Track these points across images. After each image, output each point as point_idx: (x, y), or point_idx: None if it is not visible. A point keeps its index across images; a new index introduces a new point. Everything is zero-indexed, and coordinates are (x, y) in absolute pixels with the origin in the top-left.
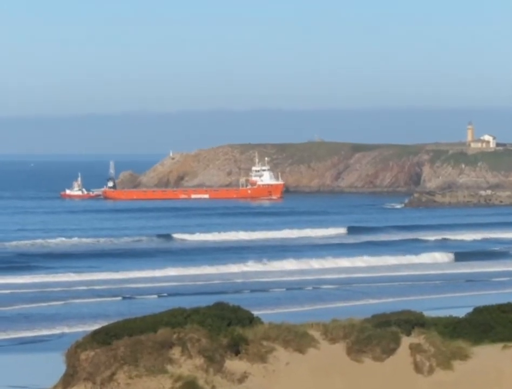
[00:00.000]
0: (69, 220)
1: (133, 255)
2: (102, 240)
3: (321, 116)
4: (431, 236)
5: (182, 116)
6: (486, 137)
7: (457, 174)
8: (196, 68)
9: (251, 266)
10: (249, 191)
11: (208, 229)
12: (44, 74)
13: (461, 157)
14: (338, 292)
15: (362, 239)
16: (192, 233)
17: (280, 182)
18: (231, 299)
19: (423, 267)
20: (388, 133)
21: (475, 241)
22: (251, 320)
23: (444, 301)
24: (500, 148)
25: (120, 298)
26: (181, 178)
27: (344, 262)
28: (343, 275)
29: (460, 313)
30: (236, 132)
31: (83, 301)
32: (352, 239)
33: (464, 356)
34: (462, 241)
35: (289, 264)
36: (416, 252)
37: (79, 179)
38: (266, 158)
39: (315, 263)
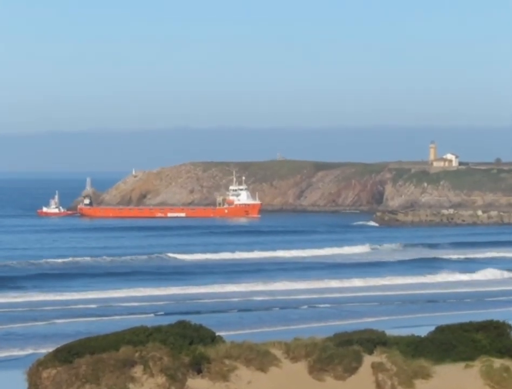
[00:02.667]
0: (53, 238)
1: (131, 274)
2: (90, 259)
3: (284, 134)
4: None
5: (145, 134)
6: (449, 156)
7: (419, 193)
8: (157, 85)
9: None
10: (226, 210)
11: (204, 249)
12: (3, 93)
13: (423, 176)
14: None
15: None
16: (191, 252)
17: (257, 202)
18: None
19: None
20: (351, 152)
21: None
22: (213, 339)
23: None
24: (463, 167)
25: (116, 317)
26: (143, 196)
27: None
28: None
29: (423, 331)
30: (199, 150)
31: (68, 321)
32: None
33: (426, 375)
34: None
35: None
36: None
37: (56, 196)
38: (243, 177)
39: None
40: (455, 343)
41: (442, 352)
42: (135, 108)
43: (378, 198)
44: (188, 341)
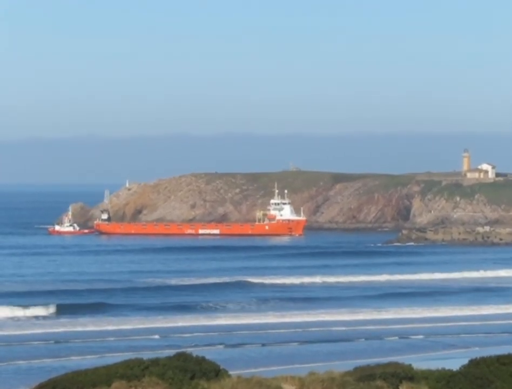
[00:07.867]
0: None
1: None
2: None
3: (297, 142)
4: None
5: (139, 142)
6: (485, 166)
7: (451, 208)
8: (154, 88)
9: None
10: (266, 227)
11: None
12: None
13: (456, 189)
14: None
15: None
16: (274, 275)
17: (302, 218)
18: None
19: None
20: (373, 162)
21: None
22: (218, 373)
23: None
24: (500, 178)
25: (173, 351)
26: (138, 212)
27: None
28: None
29: (454, 365)
30: (201, 159)
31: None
32: None
33: None
34: None
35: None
36: None
37: (70, 213)
38: (286, 192)
39: None
40: (491, 378)
41: (477, 388)
42: (128, 113)
43: (404, 213)
44: (189, 375)
